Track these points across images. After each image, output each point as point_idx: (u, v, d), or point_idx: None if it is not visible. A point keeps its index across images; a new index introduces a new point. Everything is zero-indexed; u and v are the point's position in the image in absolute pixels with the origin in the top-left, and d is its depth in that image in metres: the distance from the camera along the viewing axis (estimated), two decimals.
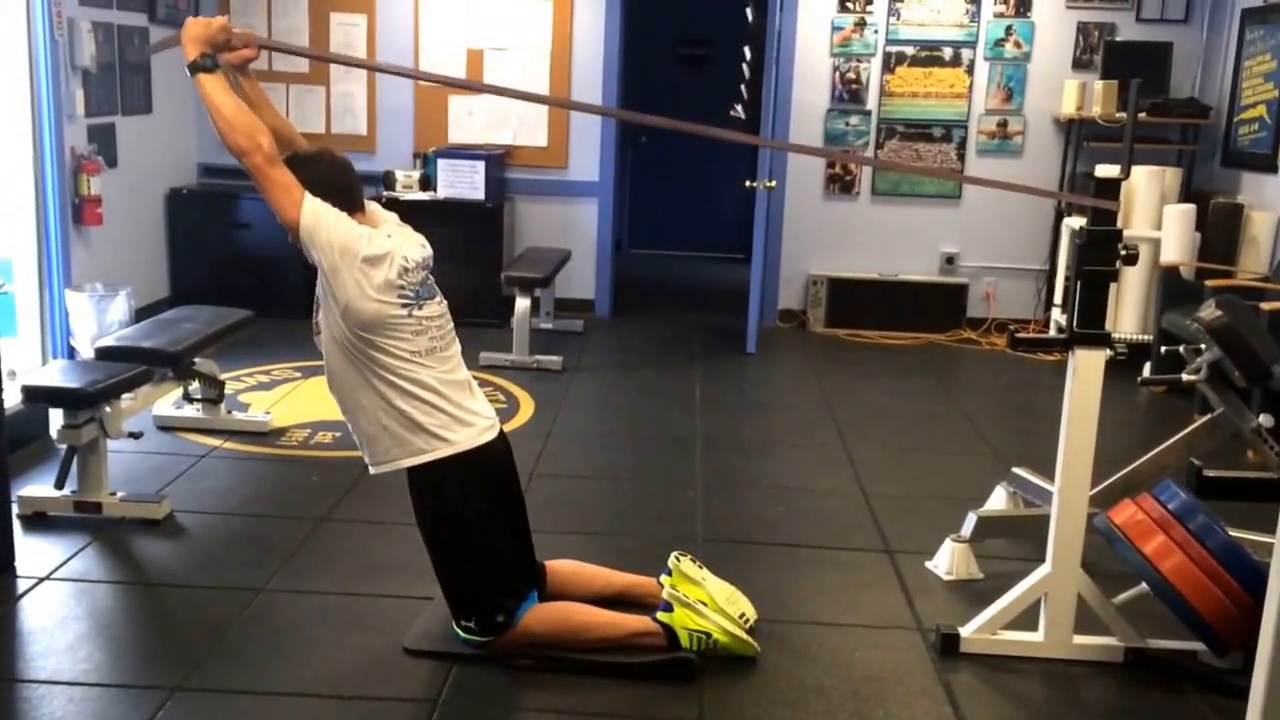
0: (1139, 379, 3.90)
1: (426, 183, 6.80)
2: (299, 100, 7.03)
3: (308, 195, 2.72)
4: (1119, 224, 3.01)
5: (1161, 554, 2.95)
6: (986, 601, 3.16)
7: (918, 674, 2.99)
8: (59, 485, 3.73)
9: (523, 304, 5.89)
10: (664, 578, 3.08)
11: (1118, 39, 6.77)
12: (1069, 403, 2.98)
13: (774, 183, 6.46)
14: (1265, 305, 4.82)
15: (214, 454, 4.46)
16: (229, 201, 6.56)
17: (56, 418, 3.69)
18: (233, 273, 6.48)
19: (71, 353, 5.27)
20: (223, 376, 4.77)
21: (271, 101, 3.10)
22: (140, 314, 5.42)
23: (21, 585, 3.29)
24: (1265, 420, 3.24)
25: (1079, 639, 3.07)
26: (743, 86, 9.48)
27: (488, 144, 7.00)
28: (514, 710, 2.80)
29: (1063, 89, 6.77)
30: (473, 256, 6.57)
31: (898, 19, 6.91)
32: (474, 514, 2.90)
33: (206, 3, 6.89)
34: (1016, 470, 3.95)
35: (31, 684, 2.78)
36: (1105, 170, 2.99)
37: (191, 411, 4.72)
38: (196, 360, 4.43)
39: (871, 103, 7.01)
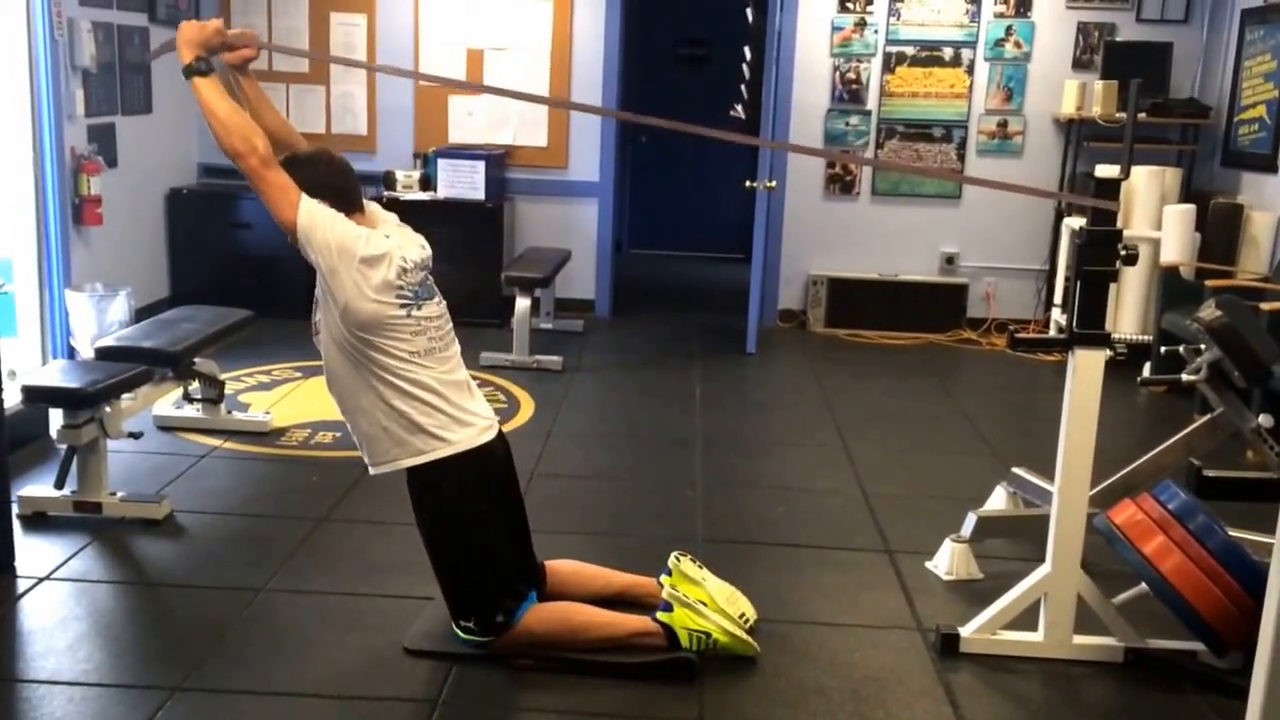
0: (1139, 379, 3.90)
1: (426, 183, 6.81)
2: (299, 100, 7.04)
3: (304, 196, 2.73)
4: (1119, 224, 3.01)
5: (1161, 554, 2.95)
6: (986, 601, 3.16)
7: (918, 674, 2.99)
8: (59, 485, 3.73)
9: (523, 304, 5.89)
10: (664, 578, 3.08)
11: (1118, 39, 6.77)
12: (1069, 403, 2.98)
13: (774, 183, 6.46)
14: (1265, 305, 4.82)
15: (214, 454, 4.46)
16: (229, 201, 6.56)
17: (56, 418, 3.69)
18: (233, 273, 6.48)
19: (71, 353, 5.27)
20: (223, 376, 4.77)
21: (272, 102, 3.11)
22: (140, 314, 5.42)
23: (21, 585, 3.29)
24: (1265, 420, 3.24)
25: (1079, 639, 3.07)
26: (743, 86, 9.48)
27: (488, 144, 7.00)
28: (514, 710, 2.80)
29: (1063, 89, 6.77)
30: (473, 256, 6.57)
31: (898, 19, 6.91)
32: (473, 514, 2.90)
33: (207, 3, 6.89)
34: (1016, 470, 3.95)
35: (31, 684, 2.78)
36: (1105, 170, 2.99)
37: (191, 411, 4.72)
38: (196, 360, 4.43)
39: (871, 103, 7.01)
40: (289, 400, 5.18)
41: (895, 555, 3.74)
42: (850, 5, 6.91)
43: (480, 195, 6.65)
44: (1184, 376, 3.40)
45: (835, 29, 6.94)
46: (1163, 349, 4.54)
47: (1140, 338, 6.13)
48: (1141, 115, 6.24)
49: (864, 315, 7.05)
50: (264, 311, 5.10)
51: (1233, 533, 3.07)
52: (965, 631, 3.08)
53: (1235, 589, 2.86)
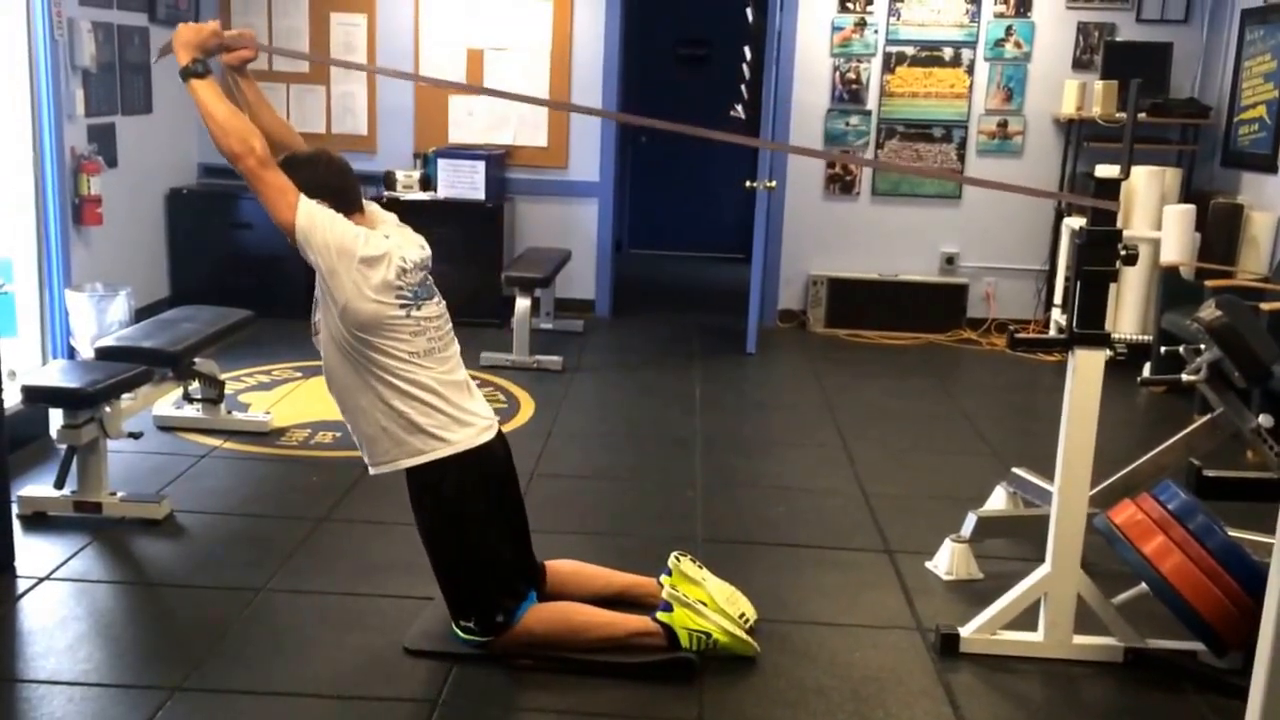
0: (1139, 379, 3.90)
1: (427, 183, 6.81)
2: (299, 100, 7.04)
3: (302, 197, 2.73)
4: (1119, 224, 3.01)
5: (1161, 554, 2.95)
6: (986, 601, 3.16)
7: (918, 674, 2.99)
8: (59, 485, 3.73)
9: (523, 304, 5.90)
10: (664, 578, 3.08)
11: (1118, 39, 6.77)
12: (1069, 403, 2.98)
13: (774, 183, 6.46)
14: (1265, 305, 4.82)
15: (214, 454, 4.46)
16: (229, 201, 6.56)
17: (56, 418, 3.69)
18: (233, 273, 6.48)
19: (71, 353, 5.27)
20: (223, 376, 4.77)
21: (270, 102, 3.11)
22: (140, 314, 5.42)
23: (21, 585, 3.29)
24: (1265, 420, 3.24)
25: (1079, 639, 3.07)
26: (743, 86, 9.48)
27: (488, 144, 7.00)
28: (514, 710, 2.80)
29: (1063, 89, 6.77)
30: (473, 256, 6.57)
31: (898, 19, 6.91)
32: (473, 514, 2.90)
33: (207, 3, 6.89)
34: (1016, 470, 3.95)
35: (31, 684, 2.78)
36: (1105, 170, 2.99)
37: (191, 411, 4.72)
38: (196, 360, 4.43)
39: (872, 103, 7.01)
40: (289, 400, 5.18)
41: (895, 555, 3.74)
42: (850, 5, 6.91)
43: (480, 195, 6.65)
44: (1184, 376, 3.40)
45: (835, 29, 6.94)
46: (1163, 349, 4.54)
47: (1140, 338, 6.13)
48: (1141, 115, 6.24)
49: (864, 315, 7.05)
50: (264, 311, 5.10)
51: (1233, 533, 3.07)
52: (965, 631, 3.08)
53: (1235, 589, 2.86)
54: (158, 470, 4.22)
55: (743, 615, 3.07)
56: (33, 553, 3.49)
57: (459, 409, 2.88)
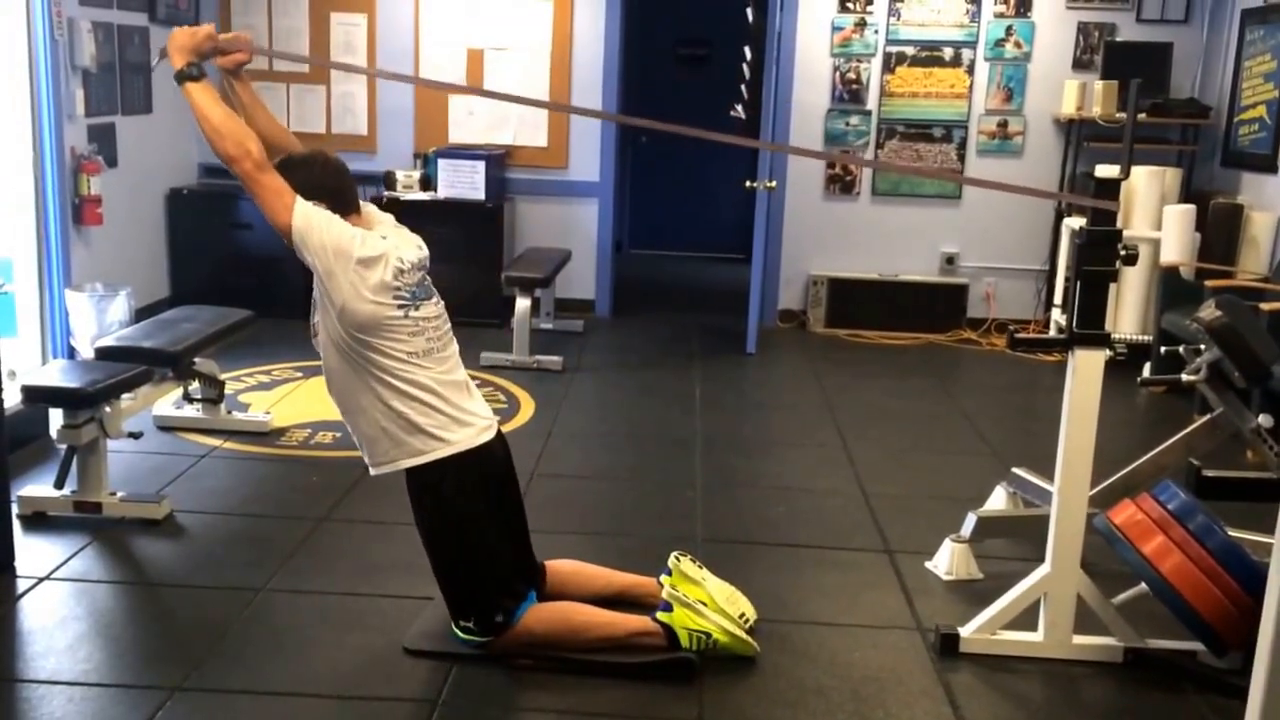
0: (1139, 379, 3.90)
1: (427, 183, 6.80)
2: (299, 100, 7.04)
3: (299, 199, 2.73)
4: (1119, 224, 3.01)
5: (1161, 554, 2.95)
6: (986, 601, 3.16)
7: (917, 674, 2.99)
8: (59, 485, 3.73)
9: (523, 304, 5.89)
10: (664, 578, 3.09)
11: (1118, 39, 6.77)
12: (1069, 403, 2.98)
13: (774, 183, 6.46)
14: (1265, 305, 4.82)
15: (214, 454, 4.46)
16: (229, 201, 6.56)
17: (56, 418, 3.69)
18: (233, 273, 6.48)
19: (71, 353, 5.27)
20: (223, 376, 4.77)
21: (265, 105, 3.11)
22: (140, 314, 5.42)
23: (21, 585, 3.29)
24: (1265, 420, 3.24)
25: (1078, 639, 3.07)
26: (743, 86, 9.47)
27: (488, 144, 7.00)
28: (514, 710, 2.80)
29: (1063, 89, 6.77)
30: (473, 256, 6.57)
31: (898, 19, 6.91)
32: (472, 514, 2.90)
33: (208, 3, 6.89)
34: (1016, 470, 3.95)
35: (31, 684, 2.78)
36: (1105, 170, 2.99)
37: (191, 411, 4.72)
38: (196, 360, 4.43)
39: (872, 103, 7.01)
40: (289, 400, 5.18)
41: (895, 555, 3.75)
42: (850, 5, 6.91)
43: (480, 195, 6.65)
44: (1184, 376, 3.40)
45: (835, 29, 6.94)
46: (1163, 349, 4.54)
47: (1140, 338, 6.13)
48: (1141, 115, 6.24)
49: (864, 315, 7.05)
50: (264, 311, 5.10)
51: (1233, 533, 3.07)
52: (965, 631, 3.08)
53: (1235, 589, 2.86)
54: (158, 470, 4.22)
55: (743, 615, 3.08)
56: (33, 553, 3.49)
57: (458, 409, 2.88)
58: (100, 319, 5.28)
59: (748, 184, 6.60)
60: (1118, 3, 6.80)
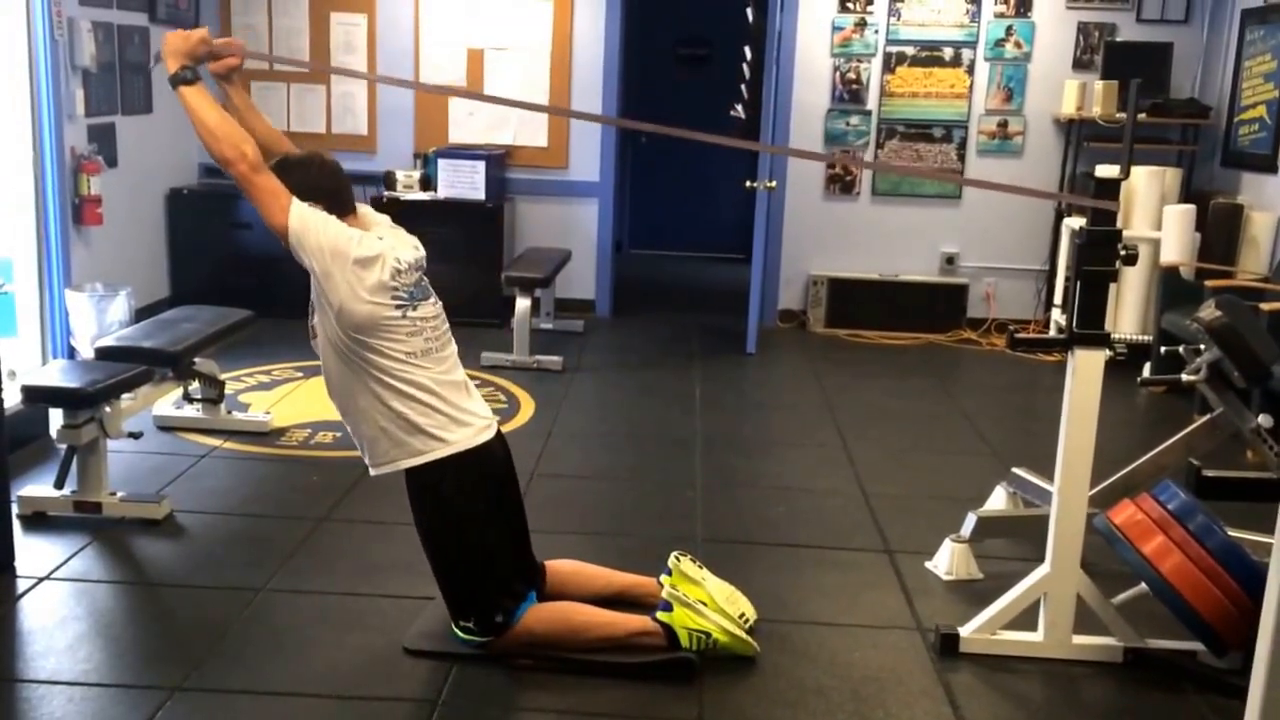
0: (1139, 379, 3.90)
1: (427, 183, 6.80)
2: (299, 100, 7.04)
3: (295, 200, 2.73)
4: (1119, 224, 3.01)
5: (1161, 554, 2.95)
6: (986, 601, 3.16)
7: (917, 674, 2.99)
8: (59, 485, 3.73)
9: (523, 304, 5.89)
10: (664, 578, 3.09)
11: (1118, 39, 6.77)
12: (1069, 403, 2.98)
13: (774, 183, 6.46)
14: (1265, 305, 4.82)
15: (214, 454, 4.46)
16: (229, 201, 6.55)
17: (56, 418, 3.69)
18: (233, 273, 6.48)
19: (71, 353, 5.27)
20: (223, 376, 4.77)
21: (258, 108, 3.11)
22: (140, 314, 5.42)
23: (21, 585, 3.29)
24: (1265, 420, 3.24)
25: (1078, 639, 3.07)
26: (743, 86, 9.47)
27: (488, 144, 7.00)
28: (514, 710, 2.80)
29: (1063, 89, 6.77)
30: (473, 256, 6.57)
31: (898, 19, 6.91)
32: (472, 514, 2.90)
33: (207, 3, 6.89)
34: (1016, 470, 3.95)
35: (31, 684, 2.78)
36: (1105, 170, 2.99)
37: (191, 411, 4.72)
38: (196, 360, 4.44)
39: (872, 103, 7.01)
40: (289, 400, 5.18)
41: (895, 555, 3.75)
42: (850, 5, 6.91)
43: (480, 195, 6.65)
44: (1184, 376, 3.40)
45: (835, 29, 6.94)
46: (1163, 349, 4.54)
47: (1140, 338, 6.13)
48: (1141, 115, 6.24)
49: (864, 315, 7.05)
50: (264, 311, 5.10)
51: (1232, 533, 3.07)
52: (965, 631, 3.08)
53: (1234, 589, 2.86)
54: (158, 470, 4.22)
55: (742, 615, 3.08)
56: (33, 553, 3.49)
57: (457, 409, 2.88)
58: (100, 319, 5.28)
59: (748, 184, 6.60)
60: (1118, 3, 6.80)
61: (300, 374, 5.55)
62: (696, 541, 3.74)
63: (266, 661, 2.92)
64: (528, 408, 5.26)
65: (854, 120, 7.03)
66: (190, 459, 4.37)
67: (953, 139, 7.00)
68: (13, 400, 3.81)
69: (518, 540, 3.07)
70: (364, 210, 2.98)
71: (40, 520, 3.73)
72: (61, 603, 3.21)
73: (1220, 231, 6.05)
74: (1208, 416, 3.42)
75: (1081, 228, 2.97)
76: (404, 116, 7.07)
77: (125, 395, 3.91)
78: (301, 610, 3.21)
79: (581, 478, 4.42)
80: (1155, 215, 6.13)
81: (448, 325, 2.97)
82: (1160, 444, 3.52)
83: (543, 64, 6.99)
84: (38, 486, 3.83)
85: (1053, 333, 6.27)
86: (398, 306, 2.79)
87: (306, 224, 2.72)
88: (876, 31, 6.93)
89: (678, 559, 3.12)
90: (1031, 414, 5.66)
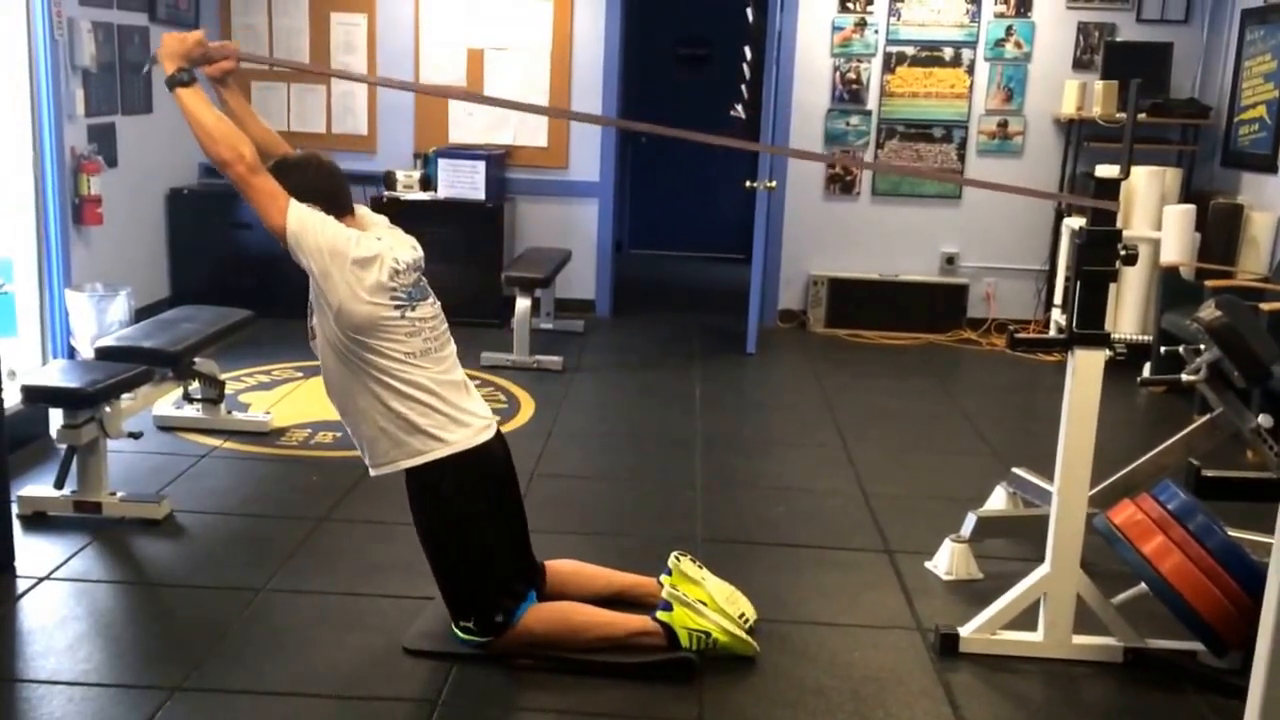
0: (1139, 379, 3.90)
1: (427, 183, 6.80)
2: (300, 100, 7.04)
3: (293, 201, 2.73)
4: (1119, 224, 3.01)
5: (1161, 554, 2.95)
6: (986, 601, 3.16)
7: (917, 674, 2.99)
8: (59, 485, 3.73)
9: (523, 304, 5.89)
10: (664, 577, 3.09)
11: (1118, 39, 6.77)
12: (1069, 403, 2.98)
13: (774, 183, 6.46)
14: (1265, 305, 4.82)
15: (214, 454, 4.46)
16: (229, 201, 6.54)
17: (56, 418, 3.69)
18: (233, 273, 6.48)
19: (71, 353, 5.27)
20: (223, 376, 4.77)
21: (254, 111, 3.11)
22: (140, 314, 5.42)
23: (21, 585, 3.29)
24: (1264, 420, 3.24)
25: (1078, 639, 3.07)
26: (743, 86, 9.48)
27: (488, 144, 7.00)
28: (514, 710, 2.80)
29: (1063, 89, 6.77)
30: (473, 256, 6.57)
31: (898, 19, 6.91)
32: (471, 514, 2.90)
33: (207, 3, 6.89)
34: (1016, 470, 3.95)
35: (31, 684, 2.78)
36: (1105, 170, 2.99)
37: (191, 411, 4.72)
38: (196, 360, 4.44)
39: (872, 103, 7.01)
40: (289, 400, 5.18)
41: (895, 555, 3.75)
42: (850, 5, 6.91)
43: (480, 195, 6.65)
44: (1184, 376, 3.40)
45: (835, 29, 6.94)
46: (1163, 349, 4.54)
47: (1140, 338, 6.13)
48: (1141, 115, 6.24)
49: (864, 315, 7.05)
50: (264, 311, 5.10)
51: (1232, 533, 3.07)
52: (965, 631, 3.08)
53: (1234, 589, 2.86)
54: (158, 470, 4.22)
55: (742, 615, 3.08)
56: (33, 553, 3.49)
57: (457, 409, 2.88)
58: (100, 319, 5.28)
59: (748, 184, 6.60)
60: (1118, 3, 6.80)
61: (300, 374, 5.56)
62: (696, 541, 3.74)
63: (266, 661, 2.92)
64: (528, 408, 5.26)
65: (854, 120, 7.03)
66: (190, 459, 4.37)
67: (953, 139, 7.00)
68: (13, 400, 3.81)
69: (518, 540, 3.07)
70: (362, 211, 2.99)
71: (40, 520, 3.73)
72: (61, 603, 3.21)
73: (1220, 231, 6.05)
74: (1208, 416, 3.42)
75: (1081, 228, 2.97)
76: (404, 116, 7.07)
77: (125, 395, 3.91)
78: (301, 610, 3.21)
79: (581, 478, 4.42)
80: (1155, 215, 6.13)
81: (446, 325, 2.98)
82: (1160, 444, 3.52)
83: (543, 64, 6.99)
84: (38, 486, 3.83)
85: (1053, 333, 6.27)
86: (396, 307, 2.79)
87: (305, 225, 2.72)
88: (876, 31, 6.93)
89: (678, 559, 3.12)
90: (1031, 414, 5.66)
